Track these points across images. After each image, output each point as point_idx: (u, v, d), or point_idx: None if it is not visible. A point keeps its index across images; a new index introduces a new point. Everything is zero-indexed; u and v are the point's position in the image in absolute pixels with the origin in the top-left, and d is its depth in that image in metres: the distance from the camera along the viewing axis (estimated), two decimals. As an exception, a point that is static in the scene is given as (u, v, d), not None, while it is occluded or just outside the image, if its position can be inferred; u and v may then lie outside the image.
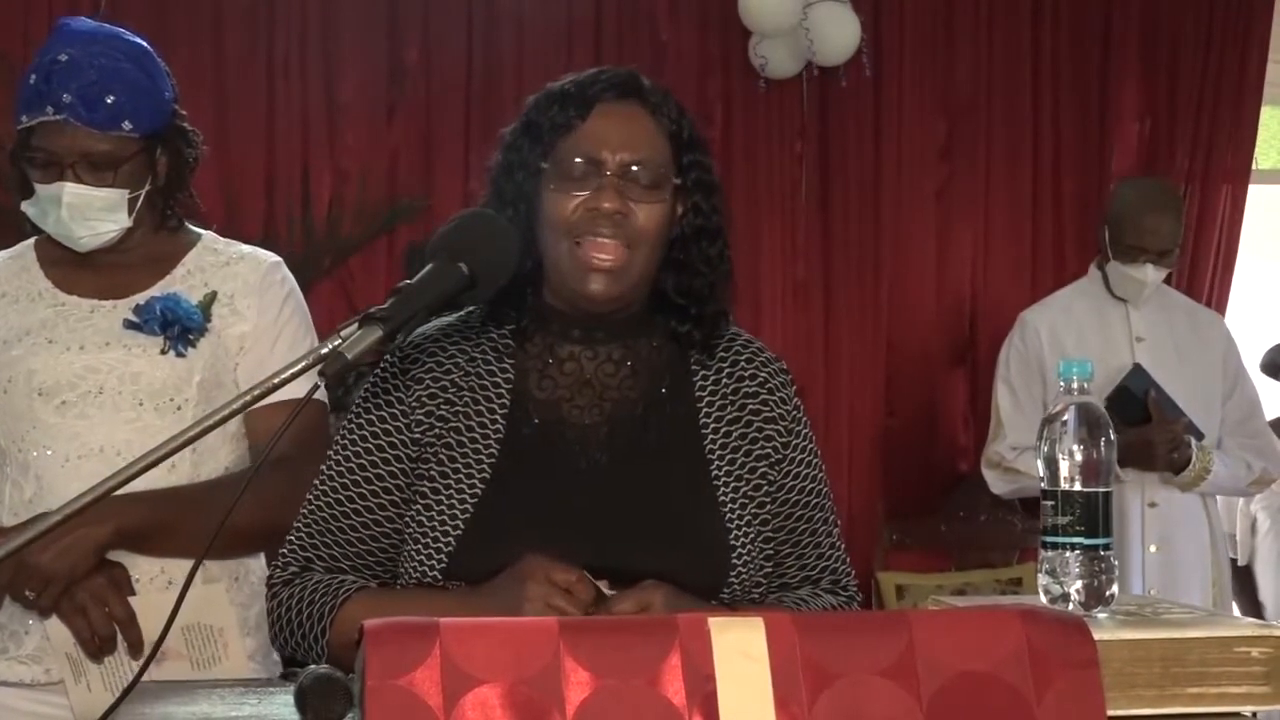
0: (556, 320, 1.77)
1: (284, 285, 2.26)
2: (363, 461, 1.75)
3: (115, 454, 2.08)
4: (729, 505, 1.75)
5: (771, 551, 1.79)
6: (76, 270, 2.21)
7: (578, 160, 1.70)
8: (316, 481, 1.77)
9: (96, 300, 2.18)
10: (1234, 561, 4.37)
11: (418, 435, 1.74)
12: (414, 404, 1.74)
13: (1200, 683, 1.37)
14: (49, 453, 2.10)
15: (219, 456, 2.18)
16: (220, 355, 2.17)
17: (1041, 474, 1.49)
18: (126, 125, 2.13)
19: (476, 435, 1.73)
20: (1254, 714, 1.39)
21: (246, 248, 2.30)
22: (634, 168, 1.70)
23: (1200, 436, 3.58)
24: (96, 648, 2.04)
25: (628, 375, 1.78)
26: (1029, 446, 3.65)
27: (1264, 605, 4.82)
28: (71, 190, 2.11)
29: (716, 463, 1.77)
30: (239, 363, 2.19)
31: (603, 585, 1.62)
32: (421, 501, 1.72)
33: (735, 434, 1.79)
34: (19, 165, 2.17)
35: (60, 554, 1.98)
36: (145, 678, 1.52)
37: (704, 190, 1.78)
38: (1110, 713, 1.22)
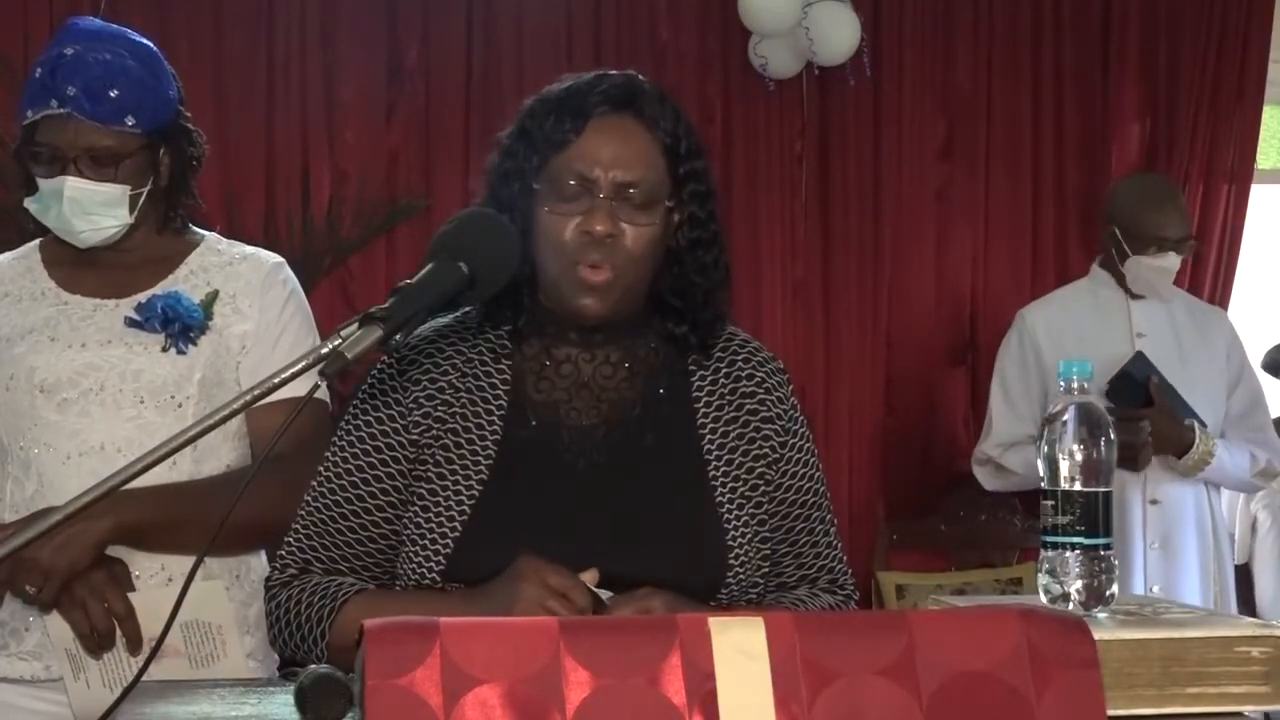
0: (553, 323, 1.77)
1: (286, 285, 2.26)
2: (360, 463, 1.75)
3: (116, 451, 2.08)
4: (726, 505, 1.75)
5: (769, 551, 1.79)
6: (80, 270, 2.21)
7: (571, 181, 1.70)
8: (314, 483, 1.78)
9: (99, 299, 2.18)
10: (1231, 560, 4.36)
11: (415, 437, 1.74)
12: (411, 405, 1.74)
13: (1200, 683, 1.37)
14: (50, 450, 2.11)
15: (220, 454, 2.18)
16: (222, 354, 2.17)
17: (1041, 474, 1.50)
18: (130, 121, 2.13)
19: (474, 437, 1.73)
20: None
21: (250, 248, 2.31)
22: (628, 190, 1.70)
23: (1203, 424, 3.58)
24: (95, 644, 2.04)
25: (625, 377, 1.78)
26: (1016, 442, 3.67)
27: (1260, 604, 4.81)
28: (73, 184, 2.12)
29: (714, 463, 1.77)
30: (241, 362, 2.19)
31: (602, 593, 1.62)
32: (419, 503, 1.72)
33: (733, 434, 1.79)
34: (23, 162, 2.18)
35: (59, 549, 1.98)
36: (143, 675, 1.52)
37: (700, 200, 1.77)
38: (1110, 713, 1.22)
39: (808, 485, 1.82)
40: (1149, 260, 3.61)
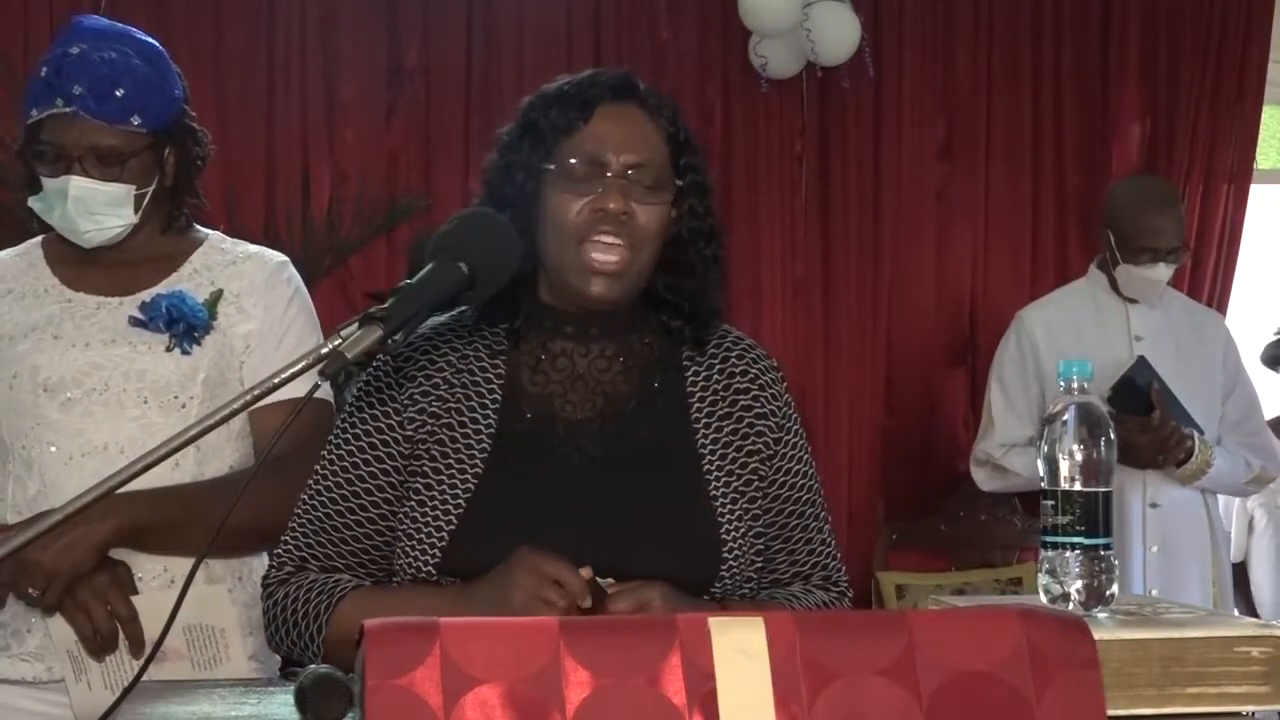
0: (549, 318, 1.78)
1: (290, 285, 2.26)
2: (356, 460, 1.75)
3: (119, 451, 2.08)
4: (720, 500, 1.76)
5: (762, 547, 1.79)
6: (83, 268, 2.21)
7: (582, 162, 1.71)
8: (311, 481, 1.78)
9: (103, 297, 2.18)
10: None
11: (410, 433, 1.74)
12: (406, 402, 1.75)
13: (1200, 683, 1.37)
14: (53, 449, 2.10)
15: (223, 455, 2.18)
16: (225, 353, 2.17)
17: (1041, 474, 1.50)
18: (135, 120, 2.13)
19: (469, 430, 1.74)
20: (1253, 714, 1.39)
21: (254, 247, 2.30)
22: (638, 169, 1.71)
23: (1201, 432, 3.58)
24: (98, 646, 2.04)
25: (620, 370, 1.79)
26: (1017, 444, 3.67)
27: (1258, 603, 4.81)
28: (78, 184, 2.11)
29: (708, 458, 1.78)
30: (244, 361, 2.19)
31: (605, 581, 1.62)
32: (415, 498, 1.72)
33: (726, 429, 1.80)
34: (27, 161, 2.17)
35: (62, 551, 1.98)
36: (146, 677, 1.52)
37: (698, 193, 1.79)
38: (1110, 713, 1.22)
39: (801, 482, 1.83)
40: (1138, 270, 3.61)
